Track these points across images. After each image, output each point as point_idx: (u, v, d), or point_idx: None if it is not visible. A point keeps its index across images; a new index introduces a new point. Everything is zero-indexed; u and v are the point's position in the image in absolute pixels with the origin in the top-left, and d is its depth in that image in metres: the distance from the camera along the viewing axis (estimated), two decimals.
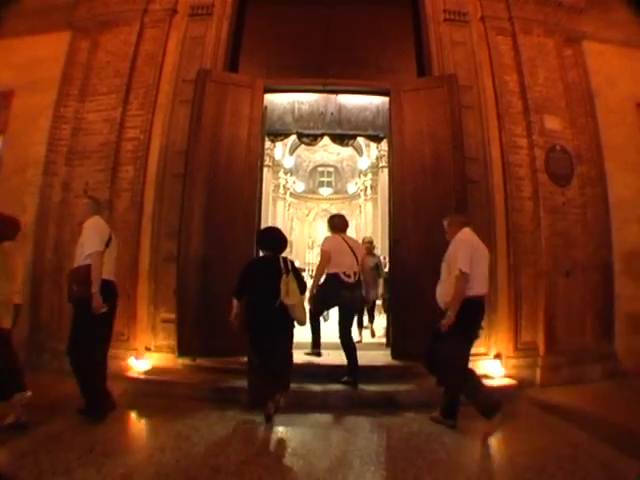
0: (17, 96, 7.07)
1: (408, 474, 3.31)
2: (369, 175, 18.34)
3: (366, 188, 18.82)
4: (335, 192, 20.99)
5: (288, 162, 18.57)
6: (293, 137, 10.75)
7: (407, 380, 5.30)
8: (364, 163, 18.28)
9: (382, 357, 6.04)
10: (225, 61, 6.92)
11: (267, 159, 14.45)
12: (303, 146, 15.54)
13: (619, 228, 6.62)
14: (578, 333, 6.23)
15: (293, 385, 4.76)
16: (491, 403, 4.06)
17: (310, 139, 8.79)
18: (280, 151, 17.51)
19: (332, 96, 7.92)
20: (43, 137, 6.82)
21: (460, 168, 6.09)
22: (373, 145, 15.28)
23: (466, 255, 4.26)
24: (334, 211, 20.84)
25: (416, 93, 6.51)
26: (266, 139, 7.85)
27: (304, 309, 4.72)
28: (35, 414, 4.22)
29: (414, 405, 4.86)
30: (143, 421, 4.66)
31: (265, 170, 11.13)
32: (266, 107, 7.05)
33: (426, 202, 6.04)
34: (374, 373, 5.46)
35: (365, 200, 18.90)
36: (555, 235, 6.31)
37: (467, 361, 4.33)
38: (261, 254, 5.01)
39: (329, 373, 5.32)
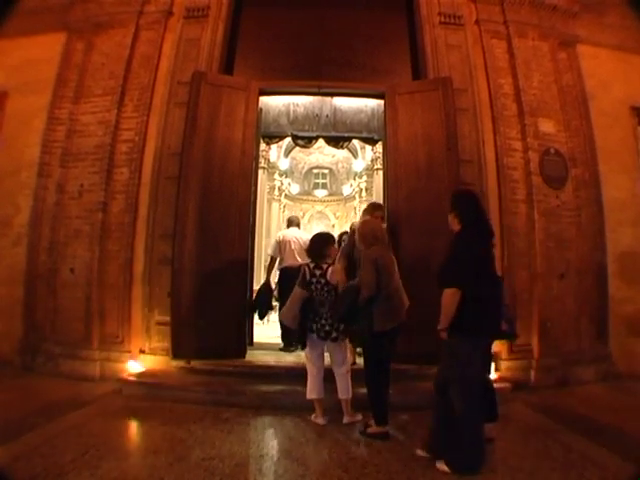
0: (11, 98, 7.05)
1: (402, 476, 3.31)
2: (364, 177, 18.28)
3: (361, 190, 18.77)
4: (330, 194, 20.90)
5: (283, 164, 18.47)
6: (288, 139, 10.74)
7: (402, 382, 5.29)
8: (359, 165, 18.23)
9: None
10: (220, 63, 6.91)
11: (262, 161, 14.39)
12: (298, 148, 15.47)
13: (613, 230, 6.65)
14: (572, 335, 6.26)
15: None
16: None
17: (305, 141, 8.78)
18: (275, 153, 17.43)
19: (327, 98, 7.94)
20: (37, 139, 6.80)
21: (454, 170, 6.10)
22: (368, 147, 15.21)
23: (274, 246, 7.21)
24: (329, 213, 20.82)
25: (411, 96, 6.52)
26: (261, 141, 7.85)
27: None
28: (29, 417, 4.22)
29: (408, 407, 4.87)
30: (137, 424, 4.64)
31: (260, 172, 11.11)
32: (261, 109, 7.07)
33: (420, 204, 6.05)
34: None
35: (360, 202, 18.77)
36: (549, 238, 6.33)
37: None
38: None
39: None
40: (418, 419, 4.51)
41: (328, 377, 4.60)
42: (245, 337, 6.26)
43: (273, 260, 7.21)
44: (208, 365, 5.75)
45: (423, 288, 4.67)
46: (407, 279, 5.60)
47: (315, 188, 21.14)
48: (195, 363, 5.78)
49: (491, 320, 3.52)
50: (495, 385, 5.36)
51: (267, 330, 8.60)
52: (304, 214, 20.62)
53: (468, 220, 3.63)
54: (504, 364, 5.96)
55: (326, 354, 4.71)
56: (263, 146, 10.59)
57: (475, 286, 3.40)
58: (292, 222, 7.70)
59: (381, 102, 6.89)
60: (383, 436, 4.11)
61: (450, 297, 3.41)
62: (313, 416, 4.53)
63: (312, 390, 4.51)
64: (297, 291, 4.57)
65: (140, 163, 6.51)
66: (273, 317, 8.53)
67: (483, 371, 3.81)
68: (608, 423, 4.47)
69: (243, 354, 6.04)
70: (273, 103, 7.92)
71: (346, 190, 20.40)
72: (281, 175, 19.02)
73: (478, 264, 3.46)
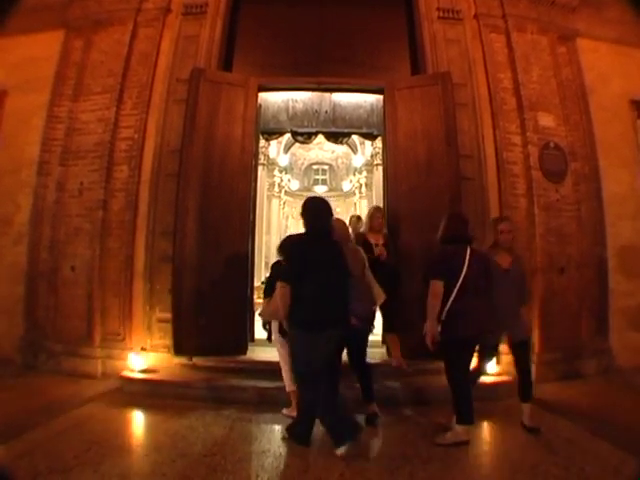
0: (10, 96, 7.03)
1: (404, 470, 3.33)
2: (364, 173, 18.29)
3: (361, 186, 18.77)
4: (330, 190, 20.88)
5: (283, 160, 18.51)
6: (288, 135, 10.74)
7: (403, 378, 5.30)
8: (359, 161, 18.26)
9: (379, 354, 6.02)
10: (219, 60, 6.90)
11: (262, 157, 14.40)
12: (298, 144, 15.51)
13: (613, 224, 6.64)
14: (573, 329, 6.26)
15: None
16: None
17: (304, 137, 8.78)
18: (275, 149, 17.47)
19: (326, 94, 7.94)
20: (37, 137, 6.79)
21: (454, 165, 6.10)
22: (368, 143, 15.23)
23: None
24: None
25: (410, 91, 6.51)
26: (260, 138, 7.84)
27: None
28: (31, 415, 4.23)
29: (410, 402, 4.90)
30: (139, 421, 4.67)
31: (260, 168, 11.13)
32: (260, 106, 7.06)
33: (420, 199, 6.04)
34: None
35: (360, 197, 18.81)
36: (549, 232, 6.32)
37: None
38: None
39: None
40: (422, 411, 4.57)
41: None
42: (246, 333, 6.25)
43: None
44: (209, 362, 5.76)
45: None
46: (408, 274, 5.64)
47: (315, 184, 21.13)
48: (197, 360, 5.79)
49: (321, 317, 3.70)
50: (497, 380, 5.43)
51: None
52: None
53: (307, 225, 4.01)
54: (505, 358, 5.94)
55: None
56: (262, 142, 10.58)
57: (302, 285, 3.68)
58: None
59: (380, 97, 6.87)
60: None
61: (278, 290, 3.77)
62: (289, 410, 4.59)
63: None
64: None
65: (140, 161, 6.49)
66: None
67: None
68: (609, 417, 4.48)
69: (244, 350, 6.04)
70: (272, 99, 7.91)
71: (346, 186, 20.39)
72: (281, 171, 19.01)
73: (307, 265, 3.73)
